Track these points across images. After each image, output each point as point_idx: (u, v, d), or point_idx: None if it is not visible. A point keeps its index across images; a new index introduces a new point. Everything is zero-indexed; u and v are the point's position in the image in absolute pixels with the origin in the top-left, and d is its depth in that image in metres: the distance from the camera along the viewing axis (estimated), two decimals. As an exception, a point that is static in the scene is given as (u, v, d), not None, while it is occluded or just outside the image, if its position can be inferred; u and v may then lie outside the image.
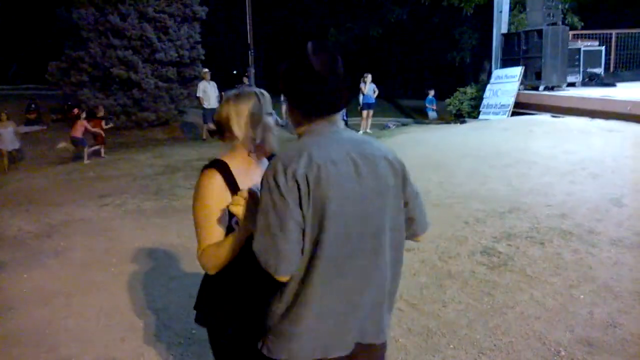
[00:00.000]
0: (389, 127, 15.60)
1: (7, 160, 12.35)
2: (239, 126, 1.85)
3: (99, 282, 4.57)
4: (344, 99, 1.64)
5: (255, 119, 1.85)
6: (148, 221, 6.44)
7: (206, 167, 1.86)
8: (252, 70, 19.46)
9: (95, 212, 6.99)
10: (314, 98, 1.59)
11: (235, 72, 25.57)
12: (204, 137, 14.10)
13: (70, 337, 3.64)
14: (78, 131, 11.73)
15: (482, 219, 5.52)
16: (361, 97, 14.37)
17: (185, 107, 17.55)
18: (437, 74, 25.51)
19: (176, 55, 16.31)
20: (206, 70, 14.56)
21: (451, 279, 4.21)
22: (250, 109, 1.86)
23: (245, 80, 17.90)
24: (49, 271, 4.93)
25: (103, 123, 12.87)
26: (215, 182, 1.80)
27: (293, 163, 1.48)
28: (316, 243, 1.50)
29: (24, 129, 16.88)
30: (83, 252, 5.41)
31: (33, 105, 17.98)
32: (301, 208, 1.47)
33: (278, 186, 1.47)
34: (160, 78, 16.19)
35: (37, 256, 5.32)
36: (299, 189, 1.46)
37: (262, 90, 1.95)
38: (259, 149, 1.91)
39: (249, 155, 1.90)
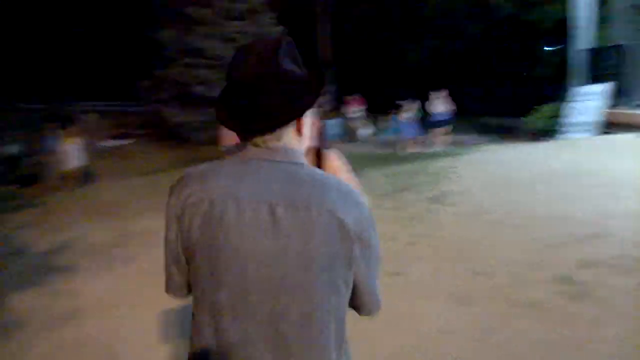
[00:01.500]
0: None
1: (73, 178, 11.18)
2: None
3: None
4: (271, 117, 1.20)
5: None
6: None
7: None
8: (330, 88, 19.71)
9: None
10: (223, 110, 1.25)
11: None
12: None
13: (131, 348, 3.74)
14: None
15: (561, 244, 5.21)
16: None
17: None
18: (515, 91, 24.65)
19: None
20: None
21: (525, 308, 3.97)
22: None
23: (322, 98, 18.09)
24: (118, 279, 5.14)
25: None
26: None
27: (186, 188, 1.23)
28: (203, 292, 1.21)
29: (111, 142, 17.96)
30: (153, 262, 5.59)
31: (122, 121, 19.16)
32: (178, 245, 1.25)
33: (167, 208, 1.26)
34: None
35: (109, 264, 5.57)
36: (180, 220, 1.22)
37: None
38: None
39: None
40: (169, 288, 1.34)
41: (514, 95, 21.80)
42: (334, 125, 15.37)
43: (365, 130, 15.98)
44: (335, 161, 2.29)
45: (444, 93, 14.17)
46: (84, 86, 25.28)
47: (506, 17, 18.11)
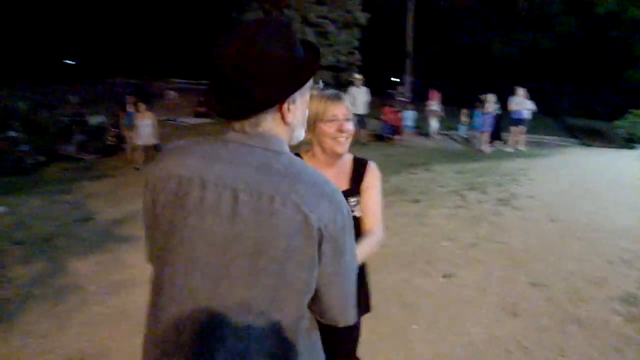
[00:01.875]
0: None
1: (142, 154, 11.18)
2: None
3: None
4: (245, 101, 1.15)
5: (309, 120, 1.72)
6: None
7: None
8: (408, 79, 19.42)
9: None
10: (208, 93, 1.24)
11: (396, 79, 25.64)
12: (363, 141, 14.21)
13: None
14: None
15: (629, 261, 4.89)
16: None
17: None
18: (607, 93, 23.15)
19: (334, 60, 16.81)
20: (357, 76, 14.77)
21: (578, 326, 3.76)
22: (313, 109, 1.91)
23: (399, 88, 17.85)
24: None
25: None
26: None
27: (161, 162, 1.23)
28: (160, 267, 1.20)
29: (192, 120, 18.64)
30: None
31: (203, 99, 19.80)
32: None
33: (146, 176, 1.25)
34: (315, 82, 16.79)
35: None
36: (151, 191, 1.22)
37: (339, 93, 2.00)
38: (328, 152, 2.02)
39: (322, 154, 2.04)
40: (145, 256, 1.33)
41: (606, 98, 20.56)
42: (408, 117, 15.12)
43: (436, 124, 15.59)
44: (374, 176, 2.13)
45: (524, 91, 13.55)
46: (170, 64, 26.35)
47: (606, 15, 16.95)
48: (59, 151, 12.13)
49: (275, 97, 1.17)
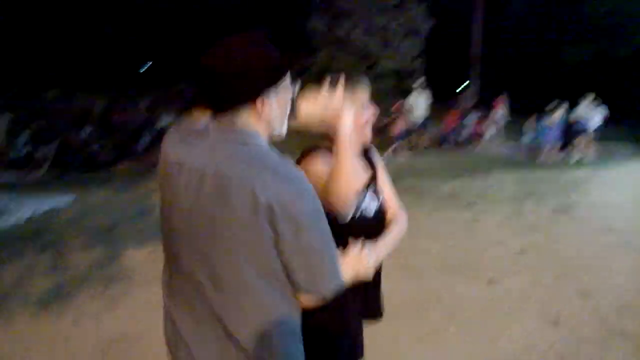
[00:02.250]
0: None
1: None
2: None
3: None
4: (218, 99, 1.34)
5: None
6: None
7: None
8: (474, 85, 19.01)
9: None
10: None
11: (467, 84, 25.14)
12: (424, 145, 14.07)
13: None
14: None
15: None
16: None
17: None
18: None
19: (396, 67, 16.74)
20: (418, 82, 14.62)
21: (622, 339, 3.59)
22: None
23: (463, 94, 17.52)
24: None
25: None
26: None
27: (162, 147, 1.47)
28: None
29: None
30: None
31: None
32: None
33: None
34: (378, 89, 16.78)
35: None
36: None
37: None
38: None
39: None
40: None
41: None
42: (473, 123, 14.82)
43: (494, 131, 15.13)
44: (379, 157, 2.12)
45: (593, 98, 12.95)
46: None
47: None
48: (128, 151, 12.76)
49: (246, 94, 1.35)
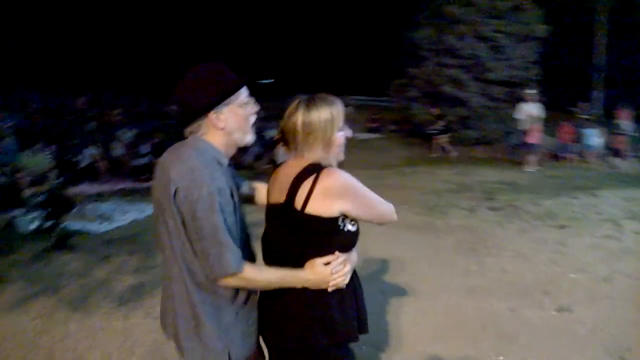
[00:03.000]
0: None
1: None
2: (307, 144, 1.84)
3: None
4: (182, 113, 1.78)
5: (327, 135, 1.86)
6: (398, 233, 6.66)
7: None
8: (596, 95, 17.58)
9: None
10: None
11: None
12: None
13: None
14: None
15: None
16: None
17: (513, 128, 17.00)
18: None
19: (508, 74, 16.00)
20: (530, 91, 13.85)
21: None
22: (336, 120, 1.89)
23: (581, 105, 16.26)
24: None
25: None
26: None
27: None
28: None
29: (362, 135, 19.22)
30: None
31: (376, 115, 20.36)
32: None
33: None
34: (488, 97, 16.13)
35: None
36: None
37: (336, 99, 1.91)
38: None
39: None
40: None
41: None
42: (590, 136, 13.73)
43: (595, 140, 13.76)
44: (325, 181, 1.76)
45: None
46: (347, 81, 27.50)
47: None
48: (239, 161, 13.48)
49: (198, 109, 1.74)
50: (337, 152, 1.89)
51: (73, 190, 9.16)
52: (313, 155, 1.82)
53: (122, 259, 5.62)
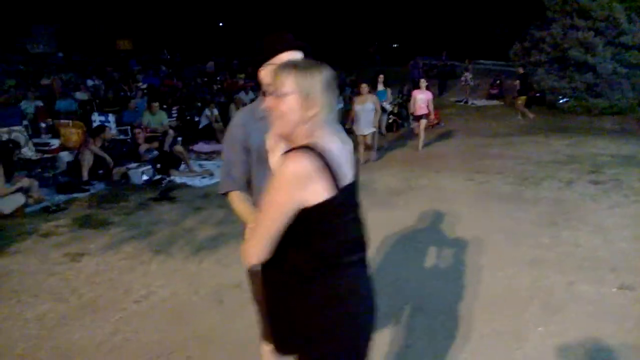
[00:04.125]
0: None
1: (364, 148, 9.42)
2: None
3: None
4: None
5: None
6: (480, 203, 6.64)
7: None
8: None
9: (461, 184, 7.65)
10: None
11: None
12: None
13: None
14: None
15: None
16: None
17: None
18: None
19: (646, 39, 14.49)
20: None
21: None
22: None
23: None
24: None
25: None
26: None
27: None
28: None
29: (481, 102, 18.54)
30: (402, 212, 6.23)
31: (498, 81, 19.46)
32: None
33: None
34: (622, 63, 14.75)
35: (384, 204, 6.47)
36: None
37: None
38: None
39: None
40: None
41: None
42: None
43: None
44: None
45: None
46: (469, 44, 26.38)
47: None
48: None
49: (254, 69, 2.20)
50: None
51: (192, 148, 10.17)
52: None
53: (211, 212, 6.28)
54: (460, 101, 18.79)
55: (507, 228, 5.65)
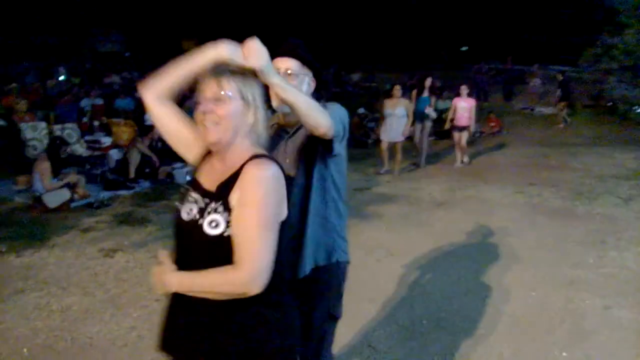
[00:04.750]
0: None
1: (387, 155, 9.04)
2: None
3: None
4: None
5: None
6: (527, 217, 6.40)
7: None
8: None
9: (509, 197, 7.42)
10: None
11: None
12: None
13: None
14: None
15: None
16: None
17: None
18: None
19: None
20: None
21: None
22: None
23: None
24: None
25: None
26: None
27: None
28: None
29: (548, 110, 17.74)
30: (443, 224, 6.13)
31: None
32: None
33: None
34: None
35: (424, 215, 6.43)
36: None
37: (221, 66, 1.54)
38: None
39: None
40: None
41: None
42: None
43: None
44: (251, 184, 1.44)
45: None
46: (537, 48, 25.36)
47: None
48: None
49: None
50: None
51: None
52: None
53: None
54: (527, 108, 18.12)
55: (551, 245, 5.43)
